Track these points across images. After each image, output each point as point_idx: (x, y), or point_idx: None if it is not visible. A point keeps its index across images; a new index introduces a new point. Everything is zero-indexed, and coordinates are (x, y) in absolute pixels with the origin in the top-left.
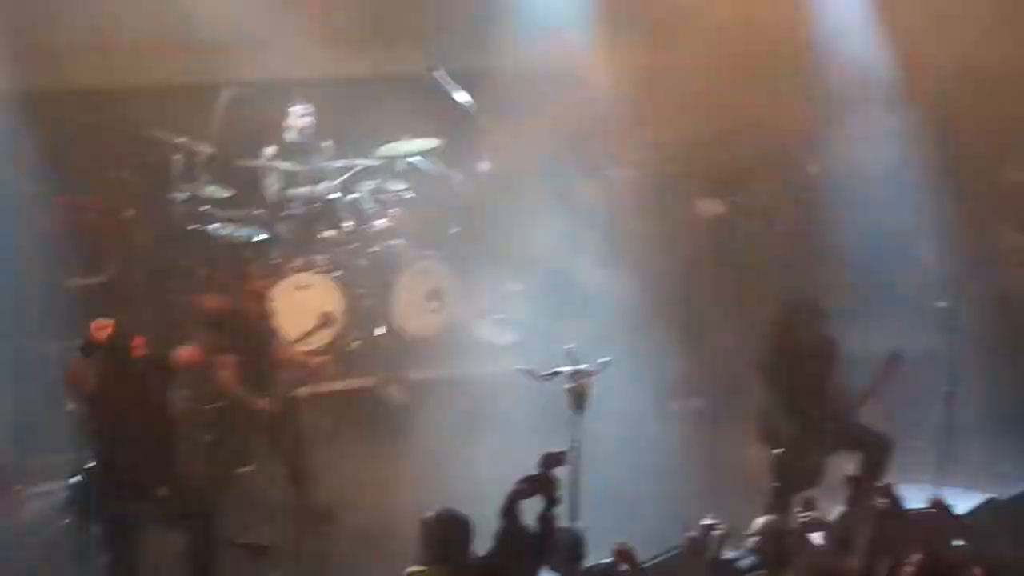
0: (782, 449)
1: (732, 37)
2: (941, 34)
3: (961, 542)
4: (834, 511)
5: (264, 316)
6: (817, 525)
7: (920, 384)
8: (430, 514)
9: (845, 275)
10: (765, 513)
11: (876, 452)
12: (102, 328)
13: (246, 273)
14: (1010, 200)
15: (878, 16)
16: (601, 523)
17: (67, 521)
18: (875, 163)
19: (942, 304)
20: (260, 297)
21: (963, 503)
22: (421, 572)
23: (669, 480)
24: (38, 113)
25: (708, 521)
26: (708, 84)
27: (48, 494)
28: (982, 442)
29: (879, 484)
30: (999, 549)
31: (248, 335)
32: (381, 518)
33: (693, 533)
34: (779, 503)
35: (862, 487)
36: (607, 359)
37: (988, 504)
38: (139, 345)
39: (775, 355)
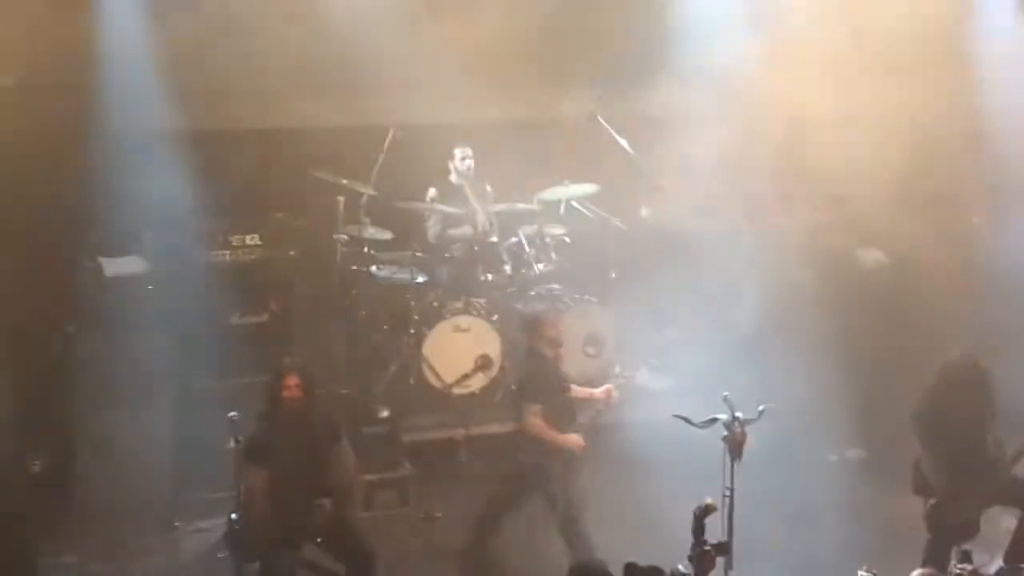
0: (935, 500)
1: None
2: None
3: None
4: (993, 565)
5: (560, 359)
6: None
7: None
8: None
9: (1008, 320)
10: (921, 566)
11: None
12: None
13: (542, 320)
14: None
15: None
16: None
17: (223, 557)
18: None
19: None
20: (557, 341)
21: None
22: None
23: (823, 531)
24: (205, 153)
25: (864, 573)
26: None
27: (206, 531)
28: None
29: None
30: None
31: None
32: (539, 566)
33: None
34: (934, 555)
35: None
36: (764, 407)
37: None
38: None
39: (932, 406)
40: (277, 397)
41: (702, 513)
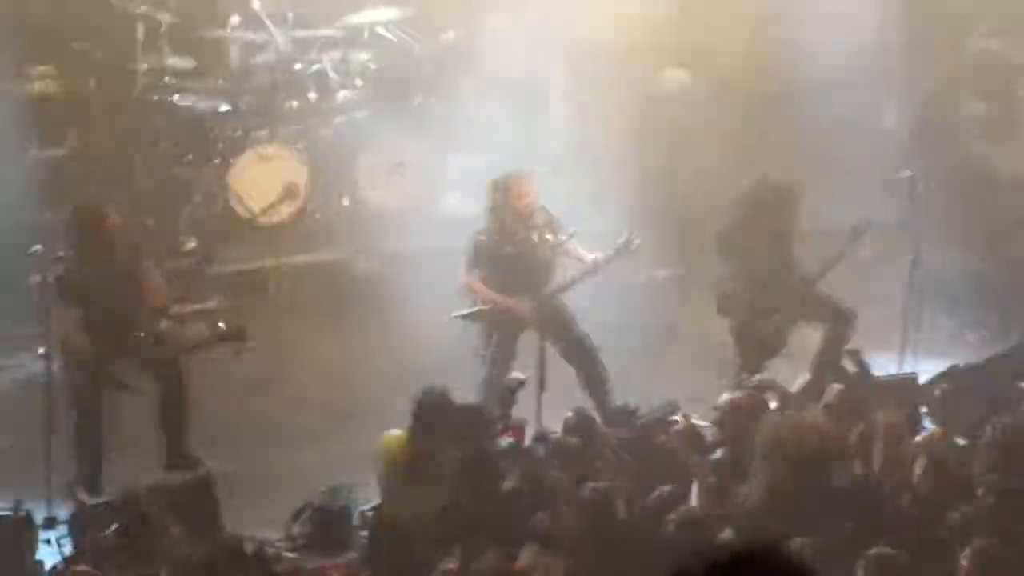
0: (741, 317)
1: None
2: None
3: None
4: (799, 380)
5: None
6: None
7: (885, 253)
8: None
9: (810, 146)
10: (733, 381)
11: (838, 324)
12: None
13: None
14: (972, 69)
15: None
16: (563, 393)
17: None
18: (839, 33)
19: (906, 173)
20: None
21: (927, 370)
22: (397, 435)
23: (636, 350)
24: None
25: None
26: None
27: (10, 368)
28: (947, 310)
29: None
30: (964, 415)
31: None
32: (348, 391)
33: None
34: (745, 371)
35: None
36: (573, 231)
37: (951, 370)
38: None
39: (735, 226)
40: (86, 232)
41: (514, 387)
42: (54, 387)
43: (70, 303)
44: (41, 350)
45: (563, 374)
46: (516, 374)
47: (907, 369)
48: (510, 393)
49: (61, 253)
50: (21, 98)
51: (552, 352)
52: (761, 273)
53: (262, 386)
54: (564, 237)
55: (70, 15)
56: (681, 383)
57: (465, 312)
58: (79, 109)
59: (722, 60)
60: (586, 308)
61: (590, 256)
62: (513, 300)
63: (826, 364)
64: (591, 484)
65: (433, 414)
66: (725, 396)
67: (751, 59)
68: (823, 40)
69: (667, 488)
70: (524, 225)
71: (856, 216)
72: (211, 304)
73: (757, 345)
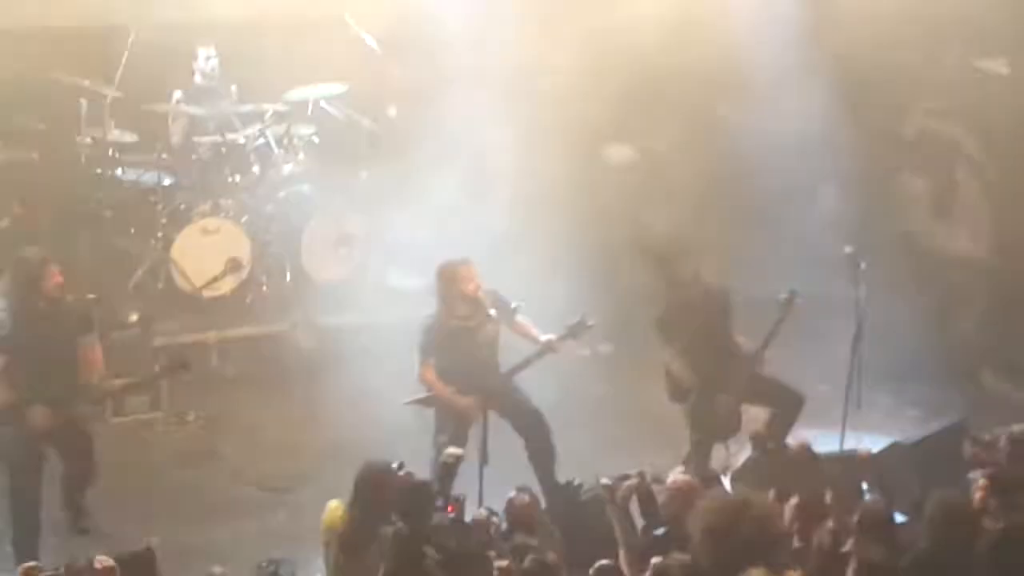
0: (693, 399)
1: None
2: None
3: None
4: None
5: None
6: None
7: (827, 329)
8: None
9: (751, 223)
10: (684, 463)
11: (788, 407)
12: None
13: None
14: (911, 147)
15: None
16: (511, 468)
17: None
18: (781, 110)
19: (848, 250)
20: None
21: (870, 446)
22: (338, 506)
23: (580, 425)
24: None
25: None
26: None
27: None
28: (888, 387)
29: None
30: (904, 491)
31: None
32: (289, 464)
33: (607, 481)
34: (699, 452)
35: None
36: (517, 304)
37: (893, 448)
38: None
39: (671, 314)
40: (33, 286)
41: (452, 463)
42: None
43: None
44: None
45: (505, 448)
46: (452, 450)
47: (848, 445)
48: (448, 468)
49: None
50: None
51: (501, 424)
52: (703, 356)
53: (202, 458)
54: (511, 312)
55: (15, 88)
56: (628, 458)
57: (418, 398)
58: (23, 181)
59: (666, 137)
60: (531, 381)
61: (543, 336)
62: (465, 400)
63: (771, 443)
64: (532, 556)
65: (372, 487)
66: (670, 476)
67: (694, 136)
68: (765, 117)
69: (605, 561)
70: (472, 309)
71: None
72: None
73: (709, 427)
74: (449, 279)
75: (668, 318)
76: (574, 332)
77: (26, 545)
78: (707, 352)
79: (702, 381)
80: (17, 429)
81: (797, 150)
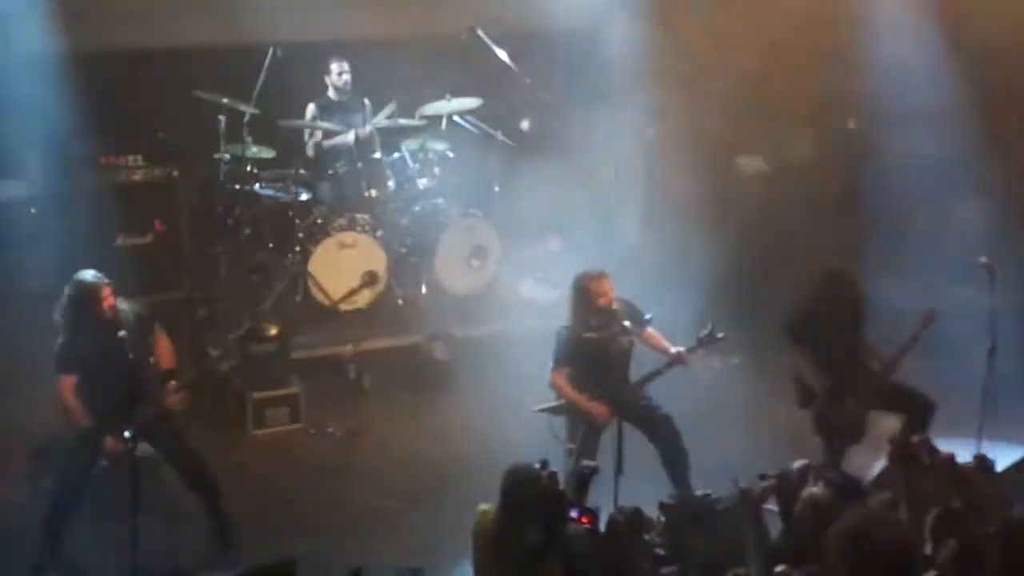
0: (820, 405)
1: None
2: None
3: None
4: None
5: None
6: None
7: (962, 340)
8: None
9: (887, 230)
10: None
11: (919, 413)
12: None
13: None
14: None
15: None
16: (642, 478)
17: None
18: (917, 118)
19: (983, 260)
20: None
21: (1004, 458)
22: (488, 509)
23: (716, 437)
24: (84, 75)
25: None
26: (749, 43)
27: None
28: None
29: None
30: None
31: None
32: (425, 475)
33: (743, 485)
34: (828, 459)
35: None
36: (650, 316)
37: None
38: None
39: (802, 319)
40: (90, 308)
41: (587, 475)
42: None
43: (67, 373)
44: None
45: (641, 458)
46: (588, 462)
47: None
48: (583, 481)
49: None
50: (108, 187)
51: (636, 435)
52: (833, 362)
53: (341, 470)
54: (643, 323)
55: (156, 106)
56: (762, 469)
57: (548, 406)
58: (165, 198)
59: (798, 149)
60: (663, 393)
61: (673, 348)
62: (595, 405)
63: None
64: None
65: (517, 490)
66: (808, 489)
67: (825, 148)
68: (900, 129)
69: (740, 570)
70: (606, 320)
71: (931, 303)
72: (293, 389)
73: (835, 434)
74: (583, 291)
75: (799, 322)
76: (704, 344)
77: (49, 532)
78: (837, 358)
79: (830, 387)
80: (93, 454)
81: (931, 161)
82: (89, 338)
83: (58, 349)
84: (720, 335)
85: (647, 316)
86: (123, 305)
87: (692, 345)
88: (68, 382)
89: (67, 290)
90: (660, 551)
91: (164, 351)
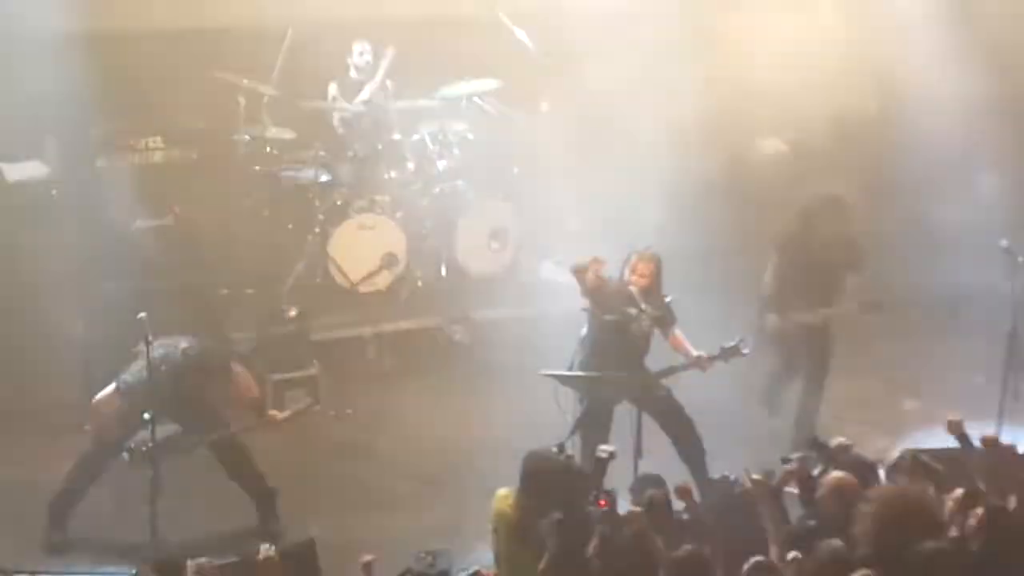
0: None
1: None
2: None
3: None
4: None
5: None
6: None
7: (983, 322)
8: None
9: (910, 213)
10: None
11: None
12: None
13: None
14: None
15: None
16: (658, 462)
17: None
18: (938, 101)
19: (1004, 243)
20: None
21: None
22: (507, 494)
23: (731, 425)
24: (104, 55)
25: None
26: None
27: None
28: None
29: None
30: None
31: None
32: (444, 458)
33: (757, 476)
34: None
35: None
36: (671, 297)
37: None
38: None
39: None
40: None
41: (605, 459)
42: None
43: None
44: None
45: (659, 442)
46: (606, 446)
47: (1005, 440)
48: (601, 465)
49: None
50: (129, 169)
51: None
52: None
53: (360, 451)
54: (672, 324)
55: (176, 88)
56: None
57: (557, 373)
58: (184, 179)
59: (817, 127)
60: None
61: (695, 352)
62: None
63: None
64: (687, 546)
65: (537, 474)
66: (829, 475)
67: (847, 127)
68: (920, 109)
69: (759, 558)
70: (632, 299)
71: (954, 286)
72: (312, 370)
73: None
74: (627, 265)
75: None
76: (725, 356)
77: (57, 511)
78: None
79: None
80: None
81: (953, 139)
82: (160, 387)
83: (132, 375)
84: (745, 351)
85: (668, 298)
86: (173, 347)
87: (715, 354)
88: (113, 400)
89: (184, 359)
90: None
91: (244, 385)
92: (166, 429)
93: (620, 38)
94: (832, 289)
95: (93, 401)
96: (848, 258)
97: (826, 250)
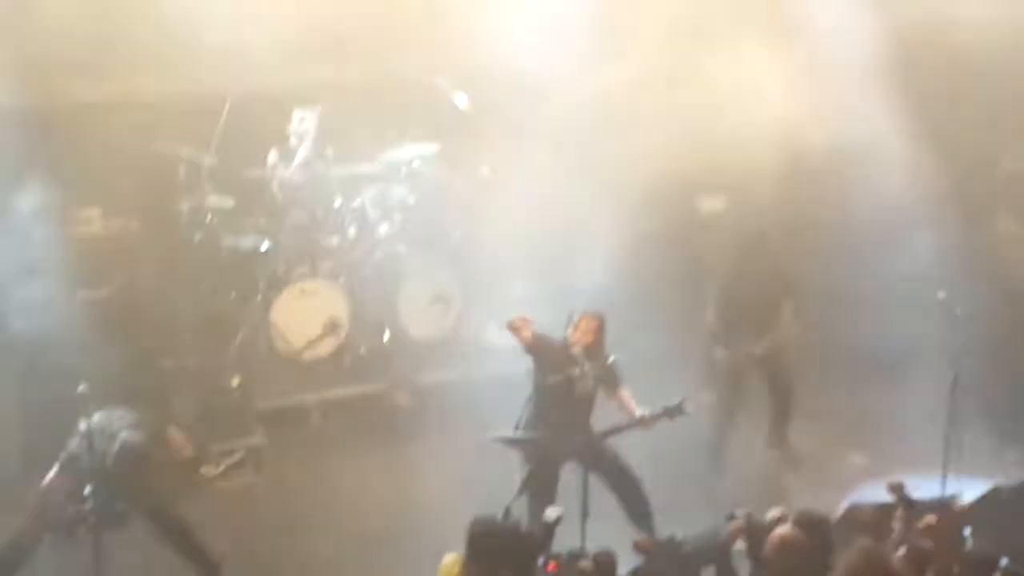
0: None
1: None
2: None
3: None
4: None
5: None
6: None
7: (925, 373)
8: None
9: (845, 267)
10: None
11: None
12: None
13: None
14: (1007, 189)
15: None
16: (605, 521)
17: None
18: (873, 154)
19: (942, 294)
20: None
21: (969, 491)
22: (455, 560)
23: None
24: (42, 127)
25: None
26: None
27: None
28: (987, 431)
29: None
30: (1003, 536)
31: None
32: (389, 522)
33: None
34: None
35: None
36: (613, 358)
37: (993, 492)
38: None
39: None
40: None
41: (552, 522)
42: None
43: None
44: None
45: (610, 503)
46: (552, 510)
47: (949, 491)
48: (548, 527)
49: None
50: (68, 240)
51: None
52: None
53: (305, 518)
54: (617, 384)
55: (114, 158)
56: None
57: (504, 436)
58: (124, 249)
59: (755, 187)
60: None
61: (638, 411)
62: None
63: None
64: None
65: (483, 540)
66: (776, 532)
67: (783, 186)
68: (855, 168)
69: None
70: (574, 358)
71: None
72: (255, 439)
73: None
74: (571, 323)
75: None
76: (670, 414)
77: None
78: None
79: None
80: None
81: (887, 195)
82: (98, 459)
83: (72, 449)
84: (688, 410)
85: (611, 359)
86: (111, 420)
87: (657, 413)
88: (60, 478)
89: (116, 448)
90: None
91: (177, 445)
92: (108, 503)
93: (559, 102)
94: (770, 317)
95: (43, 484)
96: (780, 288)
97: (758, 281)
